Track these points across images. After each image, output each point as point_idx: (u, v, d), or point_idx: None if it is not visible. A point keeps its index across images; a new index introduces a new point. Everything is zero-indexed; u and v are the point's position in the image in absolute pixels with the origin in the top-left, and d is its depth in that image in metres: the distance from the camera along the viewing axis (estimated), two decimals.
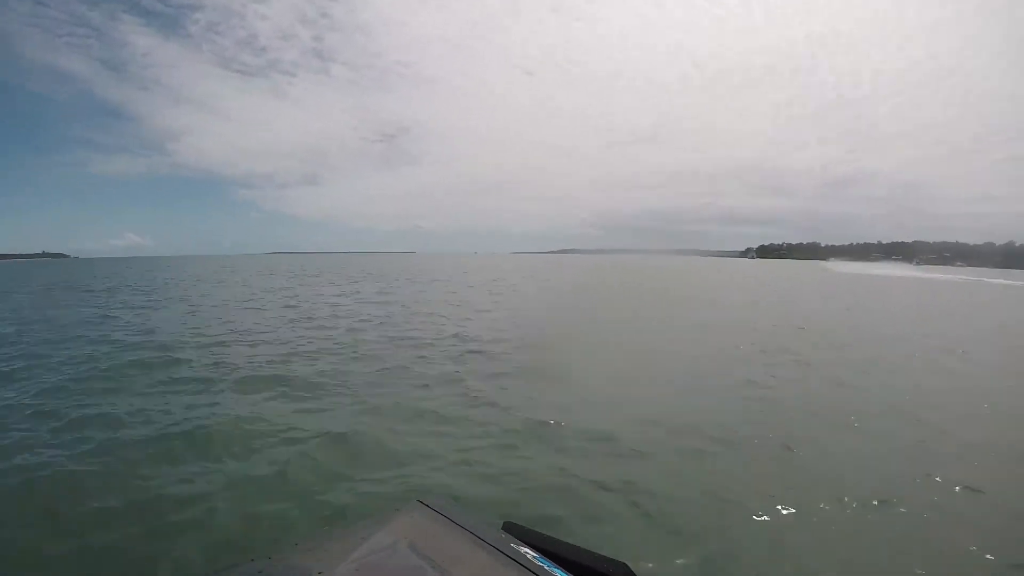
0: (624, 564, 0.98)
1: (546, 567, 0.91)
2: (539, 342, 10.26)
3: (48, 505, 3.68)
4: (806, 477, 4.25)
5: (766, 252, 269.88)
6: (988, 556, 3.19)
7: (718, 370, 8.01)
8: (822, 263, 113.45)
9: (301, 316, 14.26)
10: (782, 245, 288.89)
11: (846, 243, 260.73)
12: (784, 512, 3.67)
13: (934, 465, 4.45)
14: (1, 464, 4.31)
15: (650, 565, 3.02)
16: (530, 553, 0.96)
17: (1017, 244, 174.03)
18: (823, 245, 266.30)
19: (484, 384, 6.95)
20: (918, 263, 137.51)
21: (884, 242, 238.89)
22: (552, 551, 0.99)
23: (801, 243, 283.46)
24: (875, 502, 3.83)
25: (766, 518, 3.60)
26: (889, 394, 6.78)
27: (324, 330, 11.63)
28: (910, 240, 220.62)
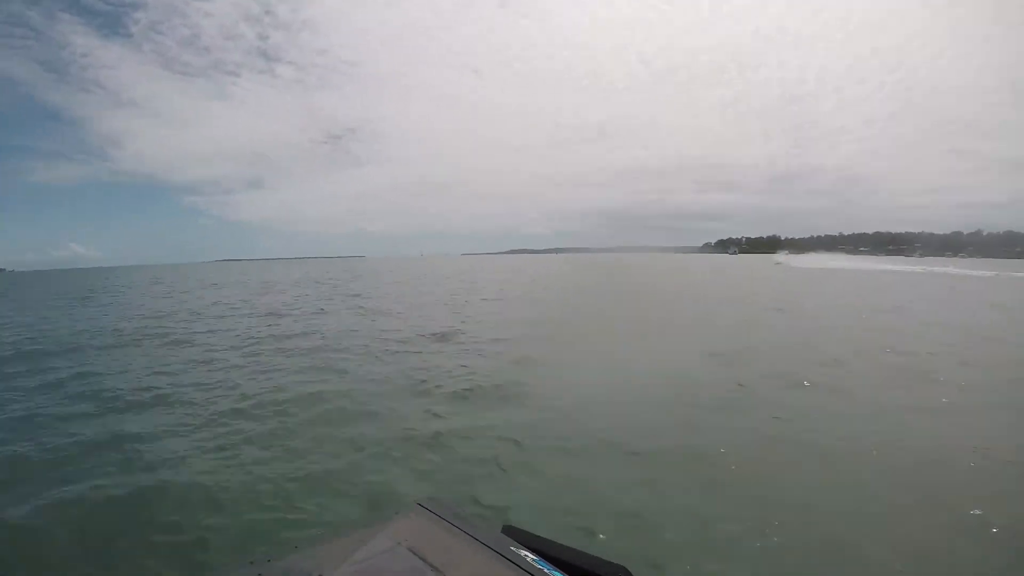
0: (624, 568, 0.96)
1: (545, 570, 0.90)
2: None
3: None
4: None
5: (726, 247, 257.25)
6: None
7: None
8: (776, 256, 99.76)
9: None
10: (741, 239, 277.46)
11: (805, 235, 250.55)
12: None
13: None
14: None
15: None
16: (529, 556, 0.95)
17: (985, 233, 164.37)
18: (783, 238, 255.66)
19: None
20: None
21: (845, 233, 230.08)
22: (551, 554, 0.98)
23: (761, 237, 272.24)
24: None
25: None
26: None
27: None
28: (871, 231, 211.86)
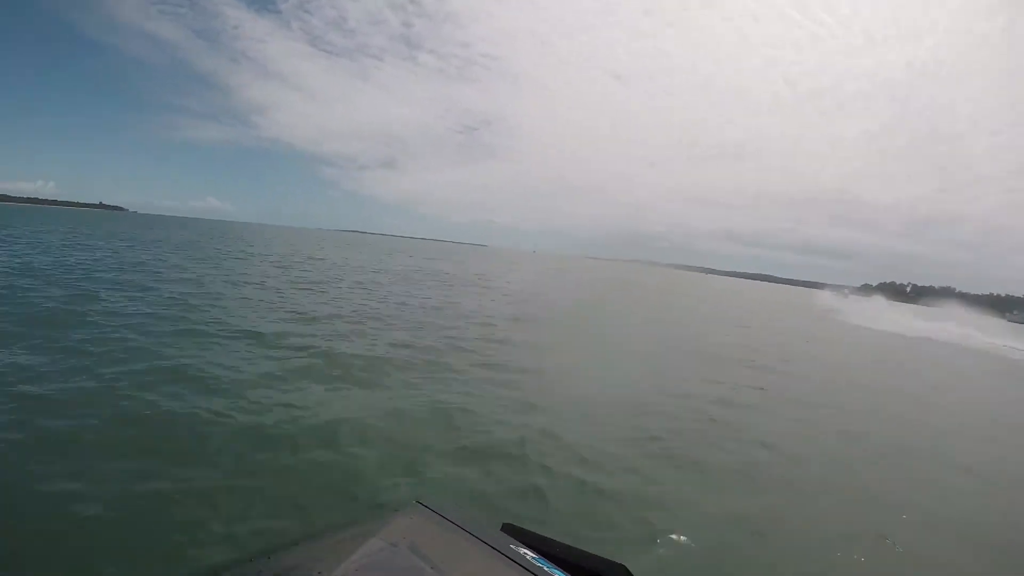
0: (622, 566, 0.97)
1: (545, 568, 0.91)
2: None
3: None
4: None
5: (888, 292, 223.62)
6: None
7: None
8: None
9: None
10: (907, 286, 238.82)
11: (977, 292, 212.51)
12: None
13: None
14: None
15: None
16: (529, 554, 0.96)
17: None
18: (957, 291, 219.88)
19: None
20: None
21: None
22: (551, 552, 0.99)
23: (931, 286, 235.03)
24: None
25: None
26: None
27: None
28: None
